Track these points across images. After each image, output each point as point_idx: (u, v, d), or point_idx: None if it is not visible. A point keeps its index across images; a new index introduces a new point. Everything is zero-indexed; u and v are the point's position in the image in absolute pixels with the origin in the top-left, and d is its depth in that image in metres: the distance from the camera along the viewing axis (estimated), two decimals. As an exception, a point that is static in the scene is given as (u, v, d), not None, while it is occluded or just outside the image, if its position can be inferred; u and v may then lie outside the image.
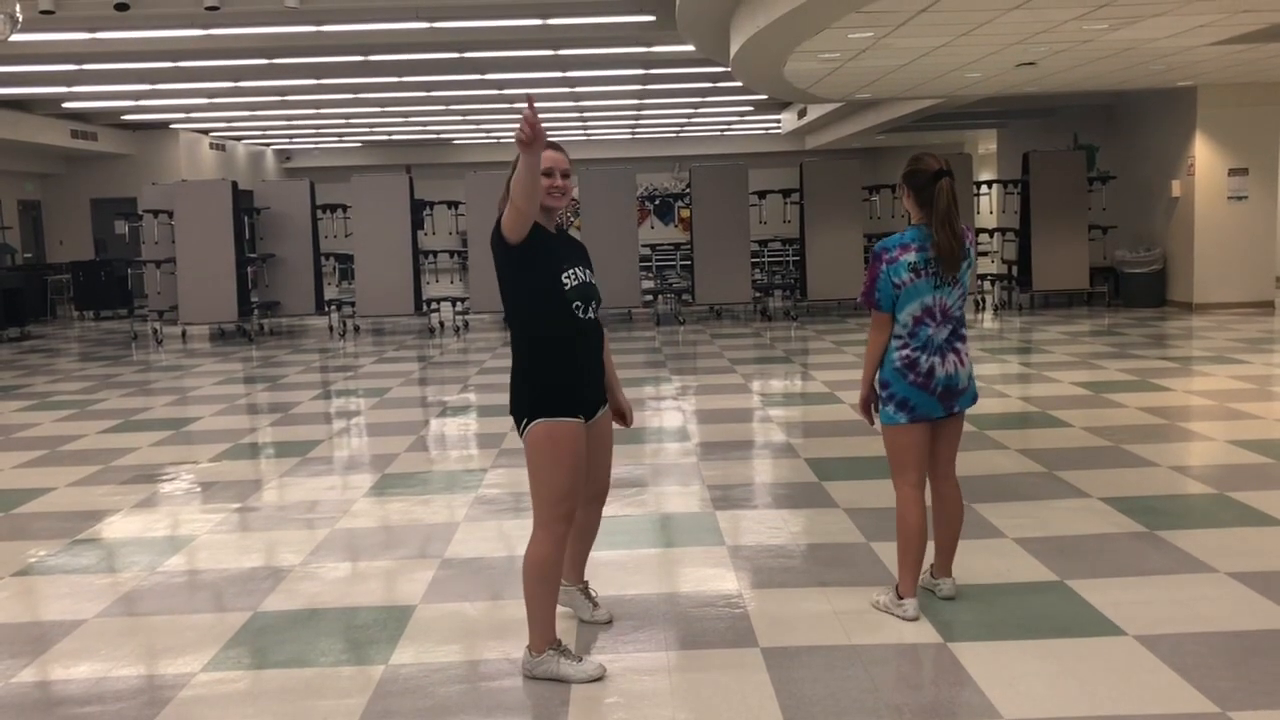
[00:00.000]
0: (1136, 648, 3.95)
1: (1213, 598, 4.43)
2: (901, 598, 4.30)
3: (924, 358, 4.23)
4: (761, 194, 16.98)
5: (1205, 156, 15.21)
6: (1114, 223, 16.59)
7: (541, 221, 3.81)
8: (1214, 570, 4.73)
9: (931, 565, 4.51)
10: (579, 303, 3.84)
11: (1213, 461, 6.88)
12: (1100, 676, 3.73)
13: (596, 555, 4.95)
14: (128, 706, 3.75)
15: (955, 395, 4.29)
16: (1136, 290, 16.06)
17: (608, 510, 4.42)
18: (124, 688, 3.91)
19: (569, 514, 3.83)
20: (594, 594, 4.42)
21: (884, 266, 4.22)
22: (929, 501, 4.42)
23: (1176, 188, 15.64)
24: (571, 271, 3.84)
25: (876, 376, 4.33)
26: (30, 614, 4.76)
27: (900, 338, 4.25)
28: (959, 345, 4.30)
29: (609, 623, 4.33)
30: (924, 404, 4.25)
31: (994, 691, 3.63)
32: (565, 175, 3.85)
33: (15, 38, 9.91)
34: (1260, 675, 3.70)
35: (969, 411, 4.59)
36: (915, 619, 4.25)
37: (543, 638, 3.85)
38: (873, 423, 4.41)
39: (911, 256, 4.19)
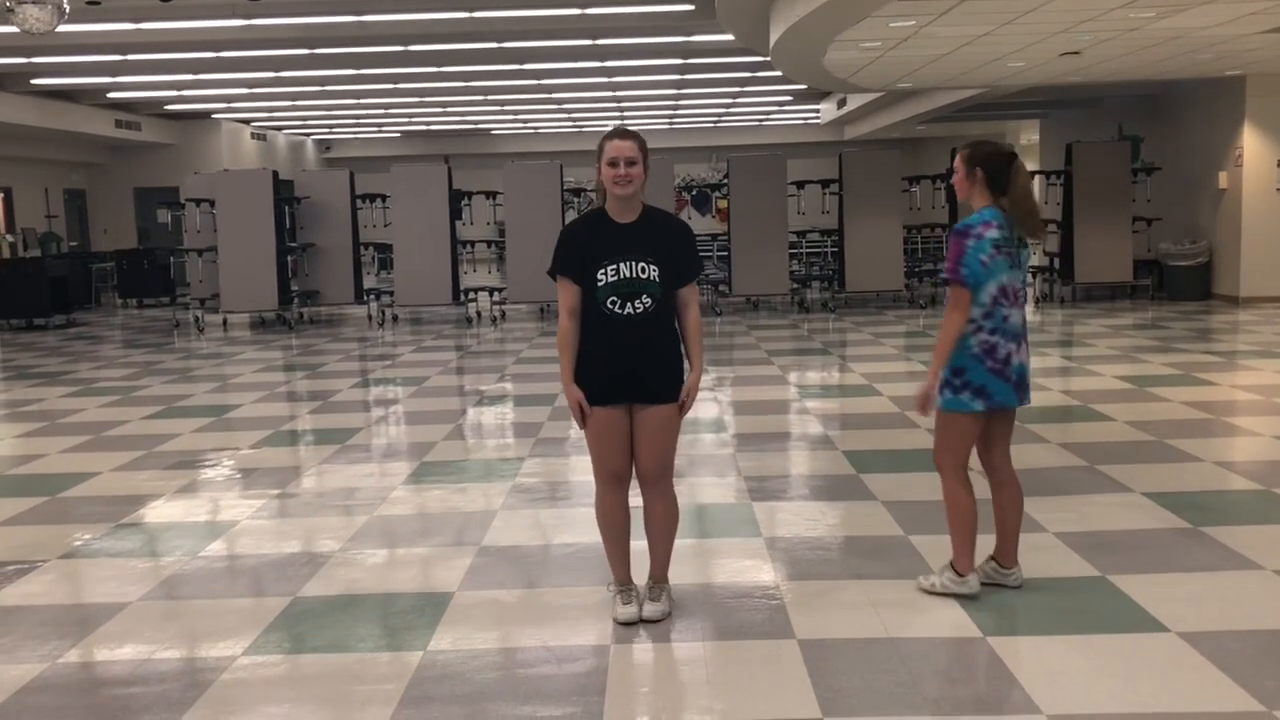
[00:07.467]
0: (1180, 644, 3.90)
1: (1259, 595, 4.37)
2: (962, 575, 4.36)
3: (1002, 343, 4.25)
4: (800, 184, 16.88)
5: (1254, 147, 14.94)
6: (1159, 215, 16.34)
7: (615, 211, 4.12)
8: (1260, 567, 4.66)
9: (994, 558, 4.50)
10: (614, 298, 4.06)
11: (1259, 457, 6.77)
12: (1143, 673, 3.68)
13: (634, 544, 4.77)
14: (170, 688, 3.80)
15: (1027, 386, 4.36)
16: (1181, 283, 15.82)
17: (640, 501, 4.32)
18: (166, 670, 3.96)
19: (602, 477, 4.25)
20: (639, 593, 4.34)
21: (970, 242, 4.22)
22: (986, 492, 4.47)
23: (1223, 179, 15.38)
24: (614, 267, 4.05)
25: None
26: (75, 596, 4.83)
27: (975, 321, 4.23)
28: (1028, 334, 4.36)
29: (659, 621, 4.23)
30: (1002, 392, 4.28)
31: (1034, 686, 3.60)
32: (631, 163, 4.06)
33: (62, 28, 10.02)
34: (1308, 674, 3.64)
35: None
36: (977, 594, 4.33)
37: (614, 575, 4.37)
38: (928, 413, 4.34)
39: (994, 233, 4.24)
